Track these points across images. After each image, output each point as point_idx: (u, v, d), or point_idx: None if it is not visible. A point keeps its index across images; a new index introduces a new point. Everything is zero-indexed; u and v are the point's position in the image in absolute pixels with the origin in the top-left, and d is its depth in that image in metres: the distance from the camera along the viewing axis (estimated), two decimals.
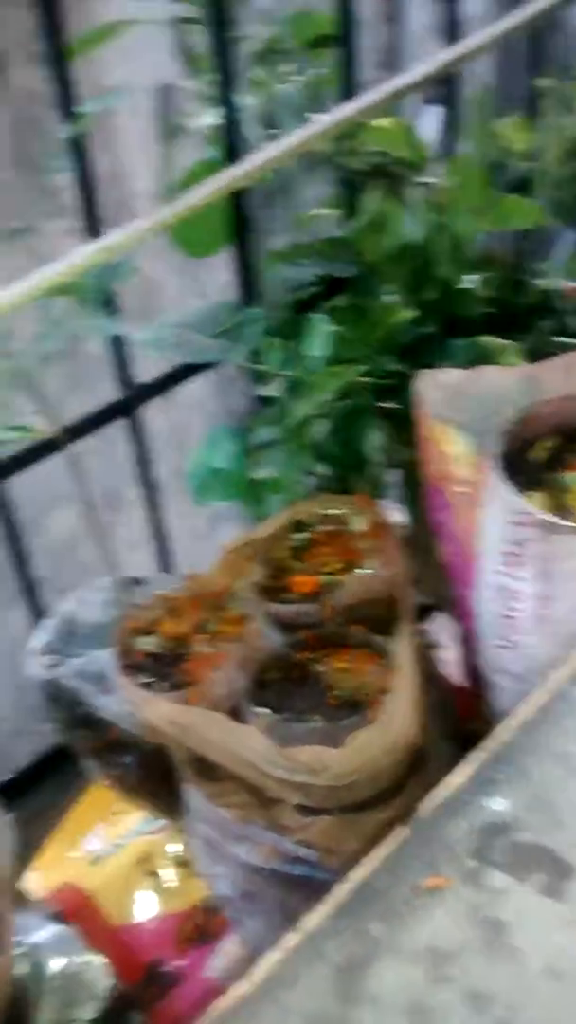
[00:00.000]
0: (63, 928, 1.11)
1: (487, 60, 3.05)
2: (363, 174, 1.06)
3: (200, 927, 1.14)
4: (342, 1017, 0.57)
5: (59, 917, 1.14)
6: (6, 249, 0.89)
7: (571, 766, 0.67)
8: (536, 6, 1.06)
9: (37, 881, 1.22)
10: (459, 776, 0.68)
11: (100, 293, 0.90)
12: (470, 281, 1.03)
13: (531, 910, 0.60)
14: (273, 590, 0.98)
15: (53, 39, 0.94)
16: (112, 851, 1.19)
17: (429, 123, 1.22)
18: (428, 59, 1.05)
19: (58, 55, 0.95)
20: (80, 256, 0.89)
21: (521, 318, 1.09)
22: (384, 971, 0.58)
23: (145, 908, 1.15)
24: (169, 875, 1.17)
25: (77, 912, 1.14)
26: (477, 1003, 0.56)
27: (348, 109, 1.01)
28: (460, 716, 1.06)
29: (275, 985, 0.59)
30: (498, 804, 0.66)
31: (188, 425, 2.39)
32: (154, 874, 1.16)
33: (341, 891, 0.63)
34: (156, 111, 2.14)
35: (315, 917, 0.62)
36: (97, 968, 1.01)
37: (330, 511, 1.03)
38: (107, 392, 1.19)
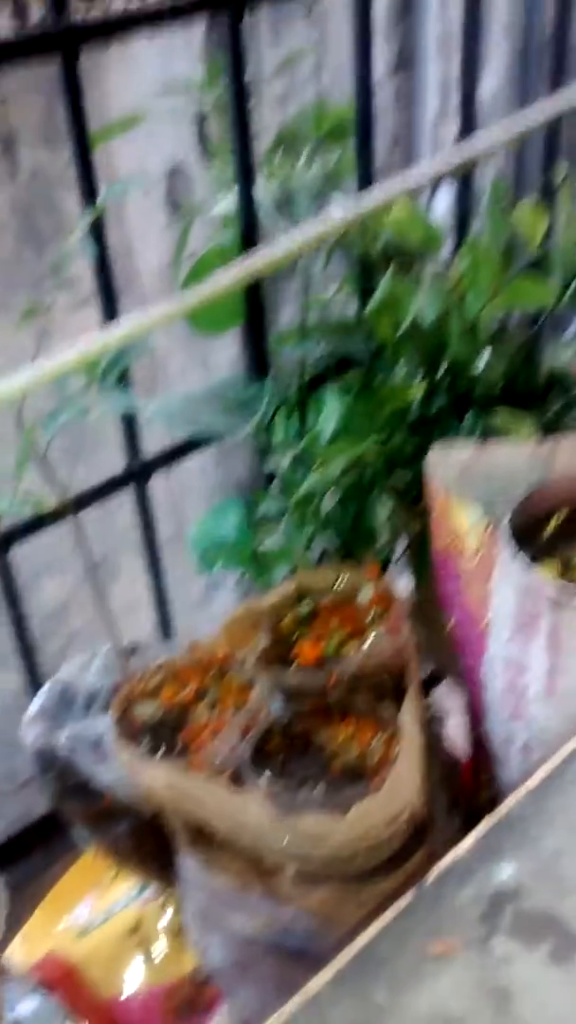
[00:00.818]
0: (47, 1001, 1.09)
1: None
2: (379, 258, 1.10)
3: (190, 999, 1.12)
4: None
5: (43, 989, 1.11)
6: (15, 325, 0.91)
7: None
8: (560, 101, 1.10)
9: (22, 952, 1.20)
10: (466, 843, 0.68)
11: (114, 372, 0.92)
12: (483, 360, 1.06)
13: (538, 978, 0.60)
14: (277, 658, 0.99)
15: (78, 129, 0.97)
16: (101, 921, 1.17)
17: (443, 200, 1.27)
18: (445, 149, 1.09)
19: (81, 144, 0.99)
20: (98, 340, 0.92)
21: (533, 396, 1.12)
22: None
23: (134, 980, 1.13)
24: (159, 946, 1.15)
25: (62, 984, 1.12)
26: None
27: (366, 202, 1.05)
28: (465, 788, 1.05)
29: None
30: (505, 871, 0.66)
31: (187, 492, 2.41)
32: (144, 945, 1.15)
33: (344, 957, 0.63)
34: (167, 192, 2.21)
35: (317, 983, 0.61)
36: None
37: (336, 581, 1.04)
38: (108, 458, 1.20)
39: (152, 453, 1.21)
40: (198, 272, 1.11)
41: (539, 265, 1.10)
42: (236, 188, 1.09)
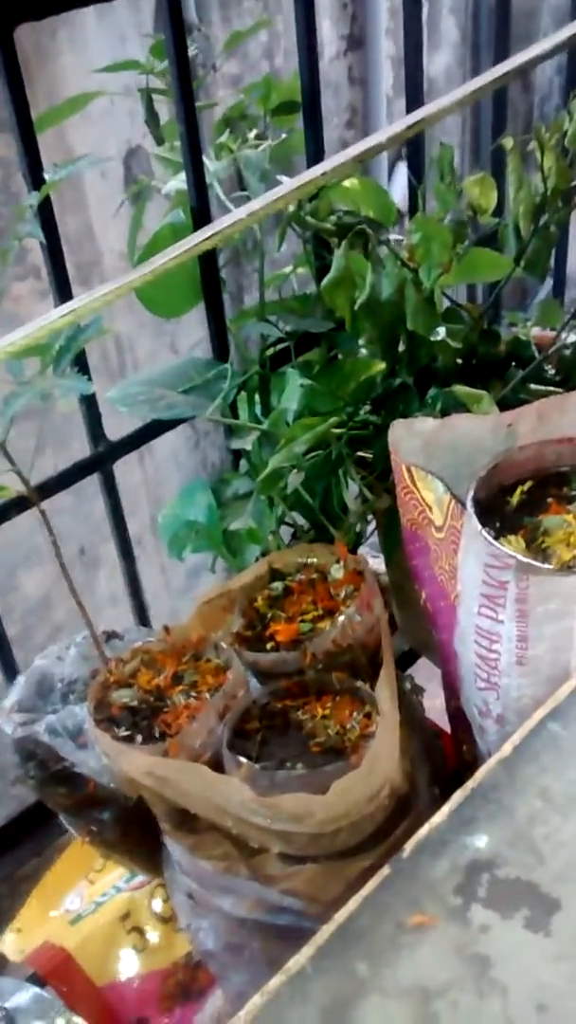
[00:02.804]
0: (42, 990, 1.09)
1: (455, 118, 3.15)
2: (332, 233, 1.09)
3: (184, 983, 1.13)
4: None
5: (38, 979, 1.12)
6: None
7: (551, 801, 0.68)
8: (501, 69, 1.10)
9: (15, 943, 1.20)
10: (440, 815, 0.68)
11: (68, 356, 0.91)
12: (441, 333, 1.06)
13: (516, 945, 0.60)
14: (252, 639, 0.99)
15: (18, 109, 0.96)
16: (92, 909, 1.17)
17: (402, 180, 1.26)
18: (396, 120, 1.08)
19: (24, 126, 0.98)
20: (48, 319, 0.91)
21: (494, 367, 1.12)
22: (371, 1010, 0.58)
23: (128, 966, 1.14)
24: (151, 931, 1.15)
25: (57, 973, 1.12)
26: None
27: (314, 172, 1.04)
28: (447, 761, 1.06)
29: None
30: (480, 841, 0.66)
31: (165, 479, 2.40)
32: (136, 931, 1.15)
33: (325, 932, 0.63)
34: (126, 174, 2.19)
35: (299, 959, 0.62)
36: None
37: (308, 560, 1.04)
38: (80, 448, 1.20)
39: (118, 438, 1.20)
40: (150, 251, 1.11)
41: (495, 236, 1.10)
42: (184, 166, 1.08)
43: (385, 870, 0.66)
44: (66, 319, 0.89)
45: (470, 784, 0.70)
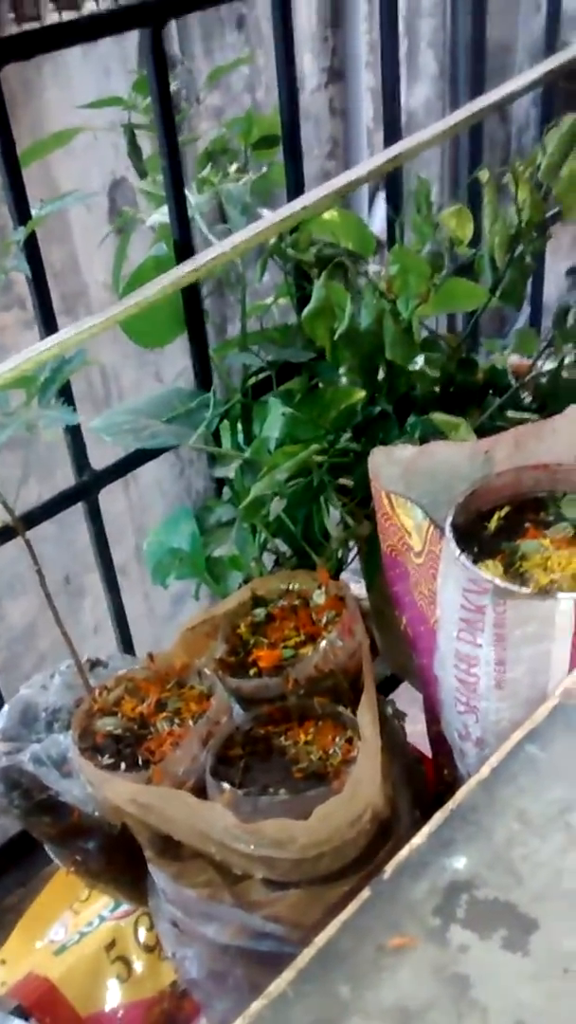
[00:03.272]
0: (27, 1023, 1.09)
1: (434, 149, 3.19)
2: (312, 264, 1.11)
3: (169, 1013, 1.12)
4: None
5: (23, 1011, 1.11)
6: None
7: (529, 823, 0.69)
8: (478, 104, 1.12)
9: (1, 974, 1.19)
10: (420, 837, 0.69)
11: (53, 387, 0.92)
12: (419, 362, 1.08)
13: (495, 965, 0.61)
14: (235, 666, 1.00)
15: (4, 146, 0.98)
16: (77, 939, 1.17)
17: (381, 211, 1.28)
18: (375, 153, 1.10)
19: (10, 162, 0.99)
20: (35, 351, 0.92)
21: (472, 395, 1.13)
22: None
23: (113, 996, 1.13)
24: (136, 961, 1.15)
25: (41, 1004, 1.11)
26: None
27: (295, 205, 1.06)
28: (428, 785, 1.06)
29: None
30: (459, 862, 0.67)
31: (149, 506, 2.41)
32: (121, 960, 1.15)
33: (305, 955, 0.64)
34: (111, 207, 2.21)
35: (280, 983, 0.62)
36: None
37: (290, 586, 1.05)
38: (63, 476, 1.21)
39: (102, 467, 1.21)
40: (134, 283, 1.12)
41: (471, 267, 1.12)
42: (167, 199, 1.10)
43: (365, 892, 0.66)
44: (52, 351, 0.91)
45: (449, 806, 0.71)
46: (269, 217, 1.03)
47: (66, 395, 1.09)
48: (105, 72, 2.10)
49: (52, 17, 1.88)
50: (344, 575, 1.21)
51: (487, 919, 0.63)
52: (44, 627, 2.20)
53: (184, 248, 1.13)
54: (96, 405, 2.19)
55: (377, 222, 2.48)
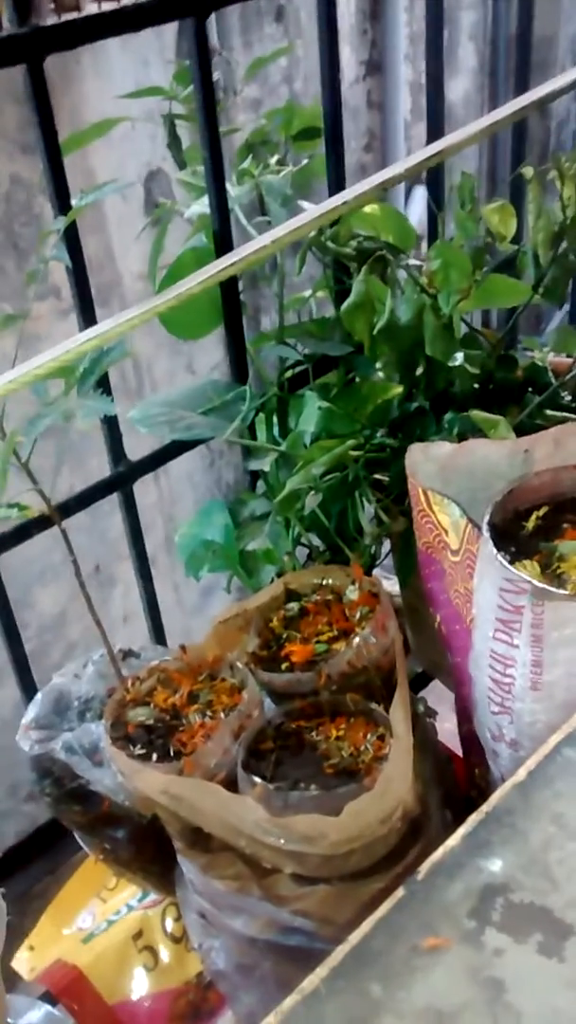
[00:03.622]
0: (54, 1009, 1.10)
1: (473, 146, 3.17)
2: (352, 258, 1.10)
3: (195, 1004, 1.13)
4: None
5: (50, 997, 1.12)
6: None
7: (565, 827, 0.68)
8: (522, 101, 1.11)
9: (28, 961, 1.20)
10: (455, 838, 0.68)
11: (92, 377, 0.93)
12: (459, 358, 1.07)
13: (530, 970, 0.60)
14: (267, 660, 1.00)
15: (47, 136, 0.98)
16: (105, 927, 1.17)
17: (419, 204, 1.27)
18: (416, 149, 1.10)
19: (52, 153, 0.99)
20: (76, 343, 0.92)
21: (511, 393, 1.13)
22: None
23: (139, 985, 1.14)
24: (163, 951, 1.15)
25: (69, 991, 1.12)
26: None
27: (337, 200, 1.06)
28: (459, 784, 1.06)
29: None
30: (495, 865, 0.66)
31: (179, 498, 2.42)
32: (148, 950, 1.15)
33: (339, 953, 0.64)
34: (147, 197, 2.21)
35: (313, 979, 0.62)
36: None
37: (323, 581, 1.05)
38: (97, 465, 1.21)
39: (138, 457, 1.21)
40: (173, 275, 1.12)
41: (513, 263, 1.11)
42: (207, 191, 1.10)
43: (400, 892, 0.66)
44: (93, 343, 0.91)
45: (484, 808, 0.70)
46: (311, 211, 1.03)
47: (104, 386, 1.09)
48: (144, 63, 2.10)
49: (90, 7, 1.87)
50: (376, 571, 1.20)
51: (522, 923, 0.63)
52: (74, 616, 2.21)
53: (224, 240, 1.12)
54: (129, 395, 2.19)
55: (414, 213, 2.47)
